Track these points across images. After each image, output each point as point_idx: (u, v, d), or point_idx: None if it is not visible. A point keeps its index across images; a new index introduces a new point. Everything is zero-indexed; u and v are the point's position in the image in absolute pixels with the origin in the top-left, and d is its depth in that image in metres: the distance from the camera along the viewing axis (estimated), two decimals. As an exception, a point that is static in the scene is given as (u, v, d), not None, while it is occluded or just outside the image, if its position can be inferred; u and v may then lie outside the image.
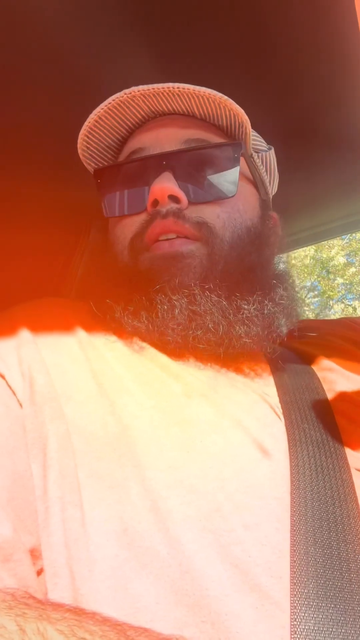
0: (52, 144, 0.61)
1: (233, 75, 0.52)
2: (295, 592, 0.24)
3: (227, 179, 0.42)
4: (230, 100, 0.40)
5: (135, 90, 0.40)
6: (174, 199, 0.40)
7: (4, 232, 0.78)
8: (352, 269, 6.47)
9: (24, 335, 0.36)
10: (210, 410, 0.34)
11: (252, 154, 0.45)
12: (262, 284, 0.41)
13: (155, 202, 0.40)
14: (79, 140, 0.43)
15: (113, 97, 0.40)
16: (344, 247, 6.45)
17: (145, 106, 0.43)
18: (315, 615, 0.23)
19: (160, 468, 0.29)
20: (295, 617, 0.23)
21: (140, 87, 0.40)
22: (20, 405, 0.32)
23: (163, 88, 0.40)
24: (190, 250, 0.39)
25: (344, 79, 0.54)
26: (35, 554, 0.27)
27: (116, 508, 0.28)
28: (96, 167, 0.46)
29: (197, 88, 0.39)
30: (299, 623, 0.23)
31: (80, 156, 0.45)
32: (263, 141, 0.50)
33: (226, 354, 0.39)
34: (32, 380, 0.33)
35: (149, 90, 0.40)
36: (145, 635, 0.21)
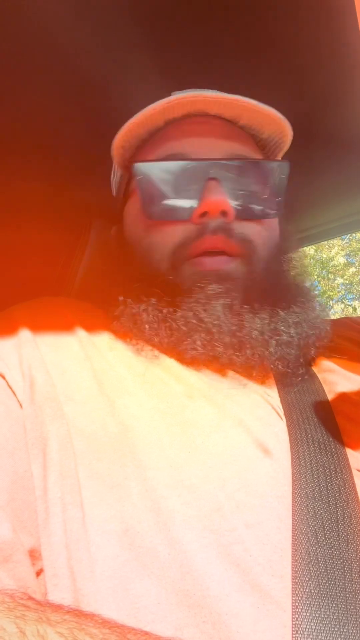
0: (52, 143, 0.61)
1: (233, 76, 0.52)
2: (296, 592, 0.24)
3: (273, 197, 0.41)
4: (282, 117, 0.41)
5: (199, 95, 0.39)
6: (223, 213, 0.39)
7: (4, 231, 0.78)
8: (352, 269, 6.47)
9: (24, 334, 0.36)
10: (211, 410, 0.34)
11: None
12: (296, 304, 0.40)
13: (204, 214, 0.39)
14: (123, 133, 0.41)
15: (173, 99, 0.39)
16: (343, 247, 6.45)
17: (191, 107, 0.42)
18: (316, 615, 0.23)
19: (161, 468, 0.29)
20: (297, 616, 0.23)
21: (206, 94, 0.39)
22: (21, 405, 0.32)
23: (224, 98, 0.40)
24: (233, 269, 0.39)
25: (344, 79, 0.54)
26: (34, 554, 0.27)
27: (117, 508, 0.27)
28: (131, 160, 0.44)
29: (251, 102, 0.40)
30: (300, 622, 0.23)
31: (117, 149, 0.43)
32: None
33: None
34: (32, 380, 0.33)
35: (212, 97, 0.39)
36: (145, 638, 0.21)
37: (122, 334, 0.39)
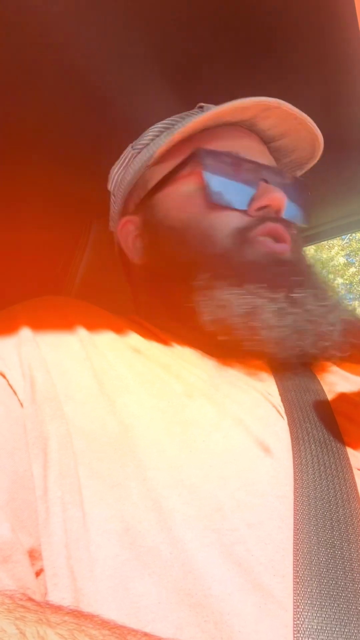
0: (53, 143, 0.61)
1: (233, 76, 0.52)
2: (298, 591, 0.24)
3: (305, 208, 0.48)
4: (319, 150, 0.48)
5: (281, 105, 0.43)
6: (278, 211, 0.42)
7: (4, 231, 0.78)
8: (352, 269, 6.47)
9: (25, 334, 0.36)
10: (211, 409, 0.33)
11: None
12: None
13: (263, 207, 0.42)
14: (207, 117, 0.43)
15: (260, 100, 0.42)
16: (343, 247, 6.45)
17: (253, 114, 0.45)
18: (318, 615, 0.23)
19: (162, 468, 0.29)
20: (299, 616, 0.23)
21: (282, 104, 0.43)
22: (21, 404, 0.32)
23: (300, 117, 0.44)
24: (292, 257, 0.42)
25: (344, 79, 0.54)
26: (34, 554, 0.27)
27: (117, 508, 0.27)
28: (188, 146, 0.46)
29: (312, 123, 0.45)
30: (302, 622, 0.23)
31: (182, 133, 0.44)
32: None
33: (228, 353, 0.38)
34: (32, 380, 0.33)
35: (288, 109, 0.43)
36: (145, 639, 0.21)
37: (119, 329, 0.39)
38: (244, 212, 0.42)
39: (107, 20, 0.45)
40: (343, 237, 5.82)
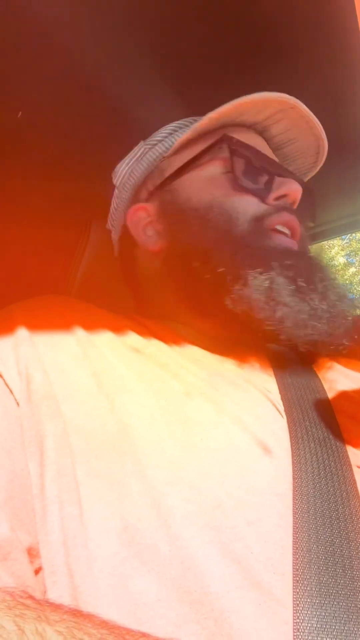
0: (53, 143, 0.61)
1: (233, 77, 0.52)
2: (297, 589, 0.24)
3: (312, 209, 0.51)
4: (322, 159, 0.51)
5: (297, 105, 0.45)
6: (293, 202, 0.45)
7: (4, 231, 0.78)
8: (352, 269, 6.47)
9: (22, 333, 0.36)
10: (210, 408, 0.33)
11: None
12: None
13: (282, 197, 0.44)
14: (233, 107, 0.44)
15: (280, 95, 0.44)
16: (344, 247, 6.46)
17: (271, 113, 0.46)
18: (317, 613, 0.23)
19: (161, 465, 0.29)
20: (298, 614, 0.23)
21: (299, 104, 0.44)
22: (18, 403, 0.32)
23: (312, 121, 0.46)
24: (301, 252, 0.43)
25: (345, 79, 0.54)
26: (32, 552, 0.27)
27: (116, 505, 0.27)
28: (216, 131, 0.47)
29: (321, 129, 0.47)
30: (301, 620, 0.23)
31: (216, 118, 0.45)
32: None
33: (229, 351, 0.39)
34: (29, 379, 0.33)
35: (303, 111, 0.45)
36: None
37: (117, 329, 0.39)
38: (263, 200, 0.44)
39: (108, 22, 0.45)
40: (343, 237, 5.82)
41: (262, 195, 0.44)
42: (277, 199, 0.44)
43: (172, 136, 0.49)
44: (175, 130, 0.49)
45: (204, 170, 0.47)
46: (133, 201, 0.52)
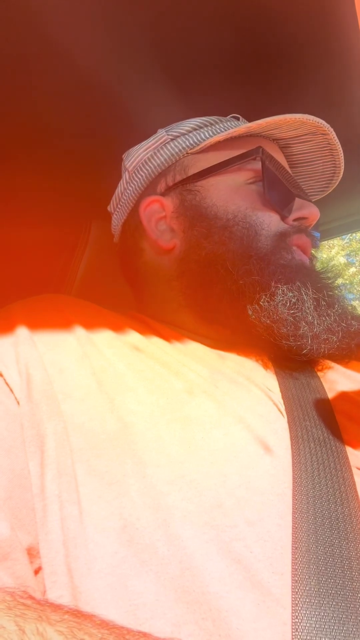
0: (53, 143, 0.61)
1: (234, 77, 0.52)
2: (296, 589, 0.24)
3: (318, 233, 0.51)
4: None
5: (329, 131, 0.46)
6: (309, 225, 0.46)
7: (4, 231, 0.78)
8: (352, 269, 6.47)
9: (22, 332, 0.36)
10: (211, 406, 0.33)
11: None
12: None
13: (302, 218, 0.45)
14: (274, 120, 0.44)
15: (317, 120, 0.45)
16: (344, 247, 6.45)
17: (302, 132, 0.47)
18: (316, 613, 0.23)
19: (161, 464, 0.29)
20: (297, 614, 0.23)
21: (331, 130, 0.46)
22: (18, 403, 0.32)
23: (336, 149, 0.48)
24: (315, 272, 0.44)
25: (345, 79, 0.54)
26: (32, 552, 0.27)
27: (115, 505, 0.27)
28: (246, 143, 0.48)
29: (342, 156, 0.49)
30: (300, 620, 0.23)
31: (253, 127, 0.45)
32: None
33: (231, 350, 0.39)
34: (29, 378, 0.33)
35: (332, 137, 0.47)
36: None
37: (118, 328, 0.40)
38: (284, 218, 0.45)
39: (110, 22, 0.45)
40: (343, 237, 5.82)
41: (283, 214, 0.44)
42: (297, 219, 0.45)
43: (198, 133, 0.48)
44: (200, 127, 0.48)
45: (232, 178, 0.46)
46: (148, 190, 0.50)
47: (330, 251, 6.50)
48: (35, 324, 0.37)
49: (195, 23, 0.46)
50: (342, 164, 0.49)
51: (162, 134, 0.49)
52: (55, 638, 0.18)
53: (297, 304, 0.39)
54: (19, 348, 0.34)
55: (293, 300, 0.39)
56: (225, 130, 0.47)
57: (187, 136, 0.48)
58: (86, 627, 0.20)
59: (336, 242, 6.37)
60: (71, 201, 0.75)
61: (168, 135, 0.49)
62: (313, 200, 0.54)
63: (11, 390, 0.32)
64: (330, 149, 0.48)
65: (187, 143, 0.48)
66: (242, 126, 0.44)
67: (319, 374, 0.41)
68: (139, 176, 0.50)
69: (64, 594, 0.25)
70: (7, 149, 0.61)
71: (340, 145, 0.47)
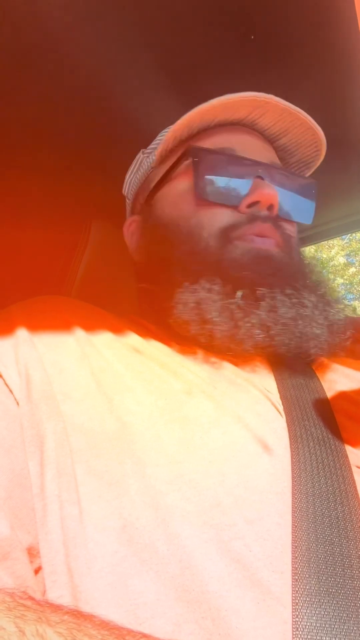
0: (53, 143, 0.61)
1: (234, 76, 0.52)
2: (296, 588, 0.24)
3: (307, 207, 0.47)
4: (324, 145, 0.46)
5: (272, 100, 0.42)
6: (270, 207, 0.42)
7: (4, 231, 0.78)
8: (352, 269, 6.47)
9: (21, 333, 0.36)
10: (210, 406, 0.33)
11: None
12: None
13: (254, 204, 0.42)
14: (194, 115, 0.42)
15: (249, 94, 0.41)
16: (344, 247, 6.46)
17: (247, 112, 0.44)
18: (316, 612, 0.23)
19: (160, 464, 0.29)
20: (297, 613, 0.23)
21: (273, 98, 0.42)
22: (17, 403, 0.32)
23: (294, 111, 0.43)
24: (278, 254, 0.41)
25: (345, 79, 0.54)
26: (32, 552, 0.27)
27: (115, 504, 0.27)
28: (182, 144, 0.46)
29: (310, 120, 0.44)
30: (300, 619, 0.23)
31: (178, 130, 0.44)
32: None
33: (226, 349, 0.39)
34: (28, 379, 0.33)
35: (280, 104, 0.42)
36: None
37: (118, 329, 0.40)
38: (235, 209, 0.42)
39: (110, 23, 0.45)
40: (343, 237, 5.82)
41: (233, 204, 0.42)
42: (250, 206, 0.42)
43: (162, 144, 0.47)
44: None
45: (177, 184, 0.46)
46: (131, 213, 0.53)
47: (330, 251, 6.50)
48: (35, 325, 0.37)
49: (195, 23, 0.46)
50: (312, 122, 0.44)
51: (139, 155, 0.51)
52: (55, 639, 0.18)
53: (204, 302, 0.37)
54: (19, 349, 0.34)
55: (193, 299, 0.37)
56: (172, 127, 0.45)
57: (154, 151, 0.48)
58: (86, 628, 0.20)
59: (336, 242, 6.37)
60: (71, 201, 0.75)
61: (144, 154, 0.50)
62: (314, 166, 0.51)
63: (11, 390, 0.32)
64: (289, 114, 0.44)
65: (152, 158, 0.49)
66: (170, 128, 0.43)
67: (318, 373, 0.41)
68: (128, 198, 0.54)
69: (64, 594, 0.25)
70: (7, 149, 0.61)
71: (294, 106, 0.43)
